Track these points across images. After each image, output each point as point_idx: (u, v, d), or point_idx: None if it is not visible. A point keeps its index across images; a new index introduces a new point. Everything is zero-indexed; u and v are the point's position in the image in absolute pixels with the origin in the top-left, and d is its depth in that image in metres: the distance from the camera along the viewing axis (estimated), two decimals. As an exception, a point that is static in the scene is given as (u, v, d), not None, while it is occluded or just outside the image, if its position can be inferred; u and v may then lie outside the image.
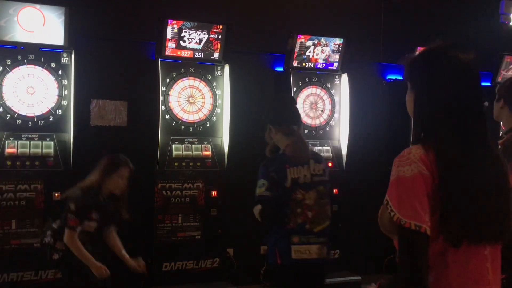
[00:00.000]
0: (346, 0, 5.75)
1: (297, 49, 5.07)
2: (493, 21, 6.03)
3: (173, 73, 4.69)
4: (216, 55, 4.79)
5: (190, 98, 4.74)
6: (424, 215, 1.50)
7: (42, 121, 4.28)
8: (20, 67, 4.22)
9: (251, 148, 4.54)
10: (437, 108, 1.61)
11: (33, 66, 4.26)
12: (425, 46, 1.75)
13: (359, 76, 5.40)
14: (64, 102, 4.34)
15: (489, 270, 1.59)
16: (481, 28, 6.01)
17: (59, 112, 4.33)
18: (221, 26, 4.71)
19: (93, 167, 4.43)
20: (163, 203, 4.55)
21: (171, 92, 4.68)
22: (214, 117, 4.80)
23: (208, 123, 4.79)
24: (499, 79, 5.74)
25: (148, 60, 4.75)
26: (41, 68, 4.28)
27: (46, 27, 4.25)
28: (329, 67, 5.25)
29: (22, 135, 4.22)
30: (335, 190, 5.12)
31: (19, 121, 4.22)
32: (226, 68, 4.78)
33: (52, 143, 4.26)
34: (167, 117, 4.66)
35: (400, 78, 5.73)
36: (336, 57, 5.22)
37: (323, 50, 5.16)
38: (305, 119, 5.16)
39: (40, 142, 4.23)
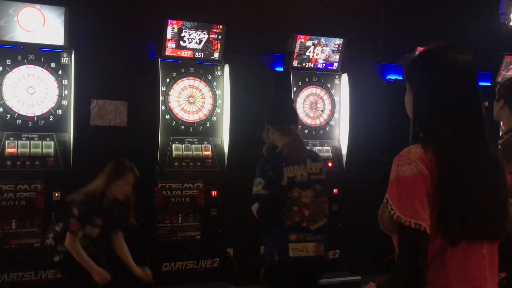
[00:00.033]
0: (346, 0, 5.75)
1: (297, 49, 5.07)
2: (493, 21, 6.03)
3: (173, 73, 4.69)
4: (216, 55, 4.79)
5: (190, 98, 4.74)
6: (424, 214, 1.52)
7: (42, 121, 4.28)
8: (20, 67, 4.22)
9: (251, 148, 4.53)
10: (436, 108, 1.64)
11: (33, 66, 4.26)
12: (425, 46, 1.77)
13: (359, 76, 5.40)
14: (64, 102, 4.34)
15: (486, 268, 1.62)
16: (481, 28, 6.01)
17: (59, 112, 4.33)
18: (221, 26, 4.71)
19: (94, 168, 4.44)
20: (163, 203, 4.55)
21: (171, 92, 4.68)
22: (214, 117, 4.80)
23: (208, 123, 4.79)
24: (499, 79, 5.74)
25: (148, 60, 4.75)
26: (41, 68, 4.28)
27: (46, 27, 4.25)
28: (329, 67, 5.25)
29: (22, 135, 4.22)
30: (335, 190, 5.14)
31: (19, 121, 4.22)
32: (226, 68, 4.78)
33: (52, 143, 4.26)
34: (167, 117, 4.66)
35: (400, 78, 5.73)
36: (336, 57, 5.22)
37: (323, 50, 5.16)
38: (305, 119, 5.16)
39: (40, 142, 4.23)
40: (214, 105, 4.81)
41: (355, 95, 5.22)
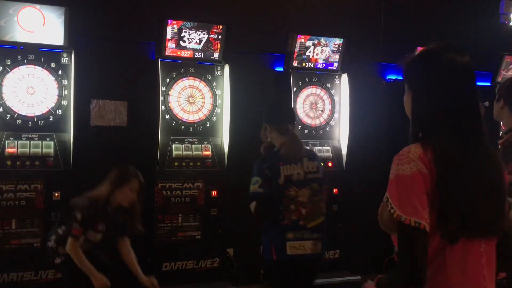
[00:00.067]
0: (346, 0, 5.75)
1: (297, 49, 5.07)
2: (493, 21, 6.03)
3: (173, 73, 4.69)
4: (216, 55, 4.79)
5: (190, 98, 4.74)
6: (423, 212, 1.54)
7: (42, 121, 4.28)
8: (20, 67, 4.22)
9: (251, 148, 4.53)
10: (435, 108, 1.66)
11: (33, 66, 4.26)
12: (425, 46, 1.78)
13: (359, 76, 5.40)
14: (64, 102, 4.34)
15: (484, 266, 1.64)
16: (481, 28, 6.01)
17: (59, 112, 4.33)
18: (221, 26, 4.71)
19: (94, 168, 4.44)
20: (163, 203, 4.55)
21: (171, 92, 4.68)
22: (214, 117, 4.80)
23: (208, 123, 4.79)
24: (499, 79, 5.74)
25: (148, 60, 4.75)
26: (41, 68, 4.28)
27: (46, 27, 4.25)
28: (329, 67, 5.25)
29: (22, 135, 4.22)
30: (335, 190, 5.14)
31: (19, 121, 4.22)
32: (226, 68, 4.78)
33: (52, 143, 4.26)
34: (167, 117, 4.66)
35: (400, 78, 5.73)
36: (336, 57, 5.22)
37: (323, 50, 5.16)
38: (305, 119, 5.16)
39: (40, 142, 4.23)
40: (214, 105, 4.81)
41: (355, 95, 5.21)
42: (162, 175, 4.57)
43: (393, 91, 5.67)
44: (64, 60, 4.34)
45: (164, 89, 4.64)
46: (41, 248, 4.14)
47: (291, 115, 3.64)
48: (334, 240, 5.19)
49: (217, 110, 4.81)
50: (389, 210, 1.58)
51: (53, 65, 4.31)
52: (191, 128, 4.73)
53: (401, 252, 1.56)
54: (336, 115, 5.27)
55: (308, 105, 5.19)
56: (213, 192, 4.69)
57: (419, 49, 1.81)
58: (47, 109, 4.30)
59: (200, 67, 4.77)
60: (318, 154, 5.04)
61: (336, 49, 5.20)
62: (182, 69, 4.71)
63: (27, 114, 4.25)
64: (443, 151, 1.60)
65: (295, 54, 5.08)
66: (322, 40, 5.12)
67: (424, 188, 1.56)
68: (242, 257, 4.98)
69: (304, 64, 5.15)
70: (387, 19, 5.86)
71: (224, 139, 4.77)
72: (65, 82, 4.33)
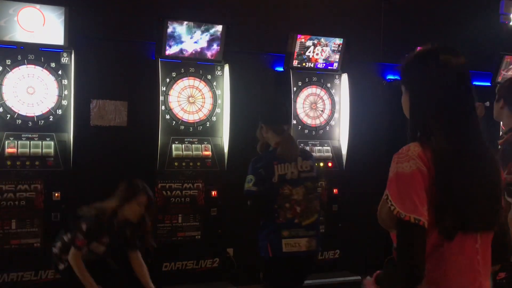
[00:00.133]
0: (346, 0, 5.75)
1: (297, 49, 5.07)
2: (493, 21, 6.02)
3: (173, 73, 4.69)
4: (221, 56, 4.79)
5: (190, 98, 4.74)
6: (422, 209, 1.59)
7: (42, 121, 4.28)
8: (20, 67, 4.22)
9: (251, 148, 4.53)
10: (432, 108, 1.70)
11: (33, 66, 4.26)
12: (424, 47, 1.82)
13: (359, 76, 5.40)
14: (64, 102, 4.34)
15: (479, 262, 1.69)
16: (481, 28, 6.01)
17: (59, 112, 4.33)
18: (221, 26, 4.71)
19: (94, 168, 4.44)
20: (163, 203, 4.55)
21: (171, 92, 4.68)
22: (214, 117, 4.80)
23: (208, 123, 4.79)
24: (499, 79, 5.74)
25: (148, 60, 4.75)
26: (41, 68, 4.28)
27: (46, 27, 4.25)
28: (329, 67, 5.25)
29: (22, 135, 4.22)
30: (335, 190, 5.14)
31: (19, 121, 4.22)
32: (226, 68, 4.78)
33: (52, 143, 4.26)
34: (167, 117, 4.66)
35: (400, 78, 5.73)
36: (336, 57, 5.22)
37: (323, 50, 5.16)
38: (305, 119, 5.16)
39: (40, 142, 4.23)
40: (214, 105, 4.81)
41: (355, 95, 5.21)
42: (162, 175, 4.57)
43: (393, 91, 5.67)
44: (64, 60, 4.34)
45: (164, 89, 4.64)
46: (41, 248, 4.15)
47: (287, 115, 3.77)
48: (334, 240, 5.20)
49: (217, 110, 4.81)
50: (388, 207, 1.62)
51: (53, 65, 4.31)
52: (191, 128, 4.73)
53: (400, 248, 1.60)
54: (336, 115, 5.27)
55: (308, 105, 5.19)
56: (213, 192, 4.69)
57: (419, 49, 1.83)
58: (47, 109, 4.30)
59: (200, 67, 4.77)
60: (318, 154, 5.09)
61: (336, 49, 5.20)
62: (182, 69, 4.71)
63: (27, 114, 4.24)
64: (441, 150, 1.64)
65: (295, 54, 5.08)
66: (322, 40, 5.12)
67: (423, 185, 1.61)
68: (242, 257, 4.98)
69: (304, 64, 5.15)
70: (387, 19, 5.86)
71: (224, 139, 4.77)
72: (65, 82, 4.33)
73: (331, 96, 5.25)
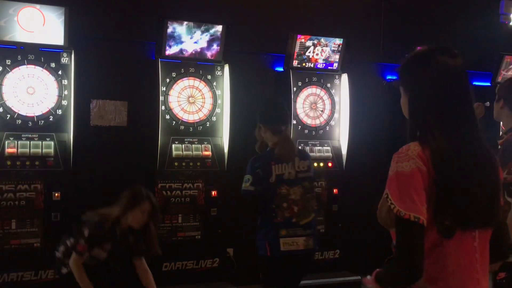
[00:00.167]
0: (346, 0, 5.75)
1: (297, 49, 5.07)
2: (493, 21, 6.02)
3: (173, 73, 4.69)
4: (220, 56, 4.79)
5: (190, 98, 4.74)
6: (422, 208, 1.62)
7: (42, 121, 4.28)
8: (20, 67, 4.22)
9: (251, 148, 4.53)
10: (431, 109, 1.73)
11: (33, 66, 4.26)
12: (430, 45, 1.84)
13: (359, 76, 5.39)
14: (64, 102, 4.34)
15: (477, 260, 1.72)
16: (481, 28, 6.01)
17: (59, 112, 4.33)
18: (221, 26, 4.72)
19: (94, 168, 4.44)
20: (163, 203, 4.55)
21: (171, 92, 4.68)
22: (214, 117, 4.81)
23: (208, 123, 4.79)
24: (499, 79, 5.74)
25: (148, 60, 4.75)
26: (41, 68, 4.28)
27: (46, 27, 4.25)
28: (329, 67, 5.25)
29: (22, 135, 4.22)
30: (335, 190, 5.14)
31: (19, 121, 4.22)
32: (226, 68, 4.78)
33: (52, 143, 4.26)
34: (167, 117, 4.66)
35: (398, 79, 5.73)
36: (336, 57, 5.22)
37: (323, 50, 5.16)
38: (305, 119, 5.17)
39: (40, 142, 4.23)
40: (214, 105, 4.81)
41: (355, 95, 5.21)
42: (162, 175, 4.57)
43: (393, 91, 5.60)
44: (64, 60, 4.34)
45: (164, 89, 4.64)
46: (41, 248, 4.15)
47: (285, 116, 3.76)
48: (334, 240, 5.20)
49: (217, 110, 4.81)
50: (388, 205, 1.64)
51: (53, 65, 4.31)
52: (191, 128, 4.73)
53: (400, 246, 1.63)
54: (336, 115, 5.27)
55: (308, 105, 5.19)
56: (213, 192, 4.70)
57: (419, 49, 1.85)
58: (47, 109, 4.30)
59: (200, 67, 4.77)
60: (318, 154, 5.09)
61: (336, 49, 5.20)
62: (182, 69, 4.71)
63: (27, 114, 4.24)
64: (441, 149, 1.67)
65: (295, 54, 5.08)
66: (322, 40, 5.12)
67: (422, 184, 1.63)
68: (242, 257, 4.98)
69: (304, 64, 5.15)
70: (387, 19, 5.86)
71: (224, 139, 4.77)
72: (65, 82, 4.33)
73: (331, 96, 5.25)
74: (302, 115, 5.15)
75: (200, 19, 4.67)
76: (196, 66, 4.75)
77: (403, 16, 5.91)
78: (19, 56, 4.21)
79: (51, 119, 4.31)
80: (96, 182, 4.63)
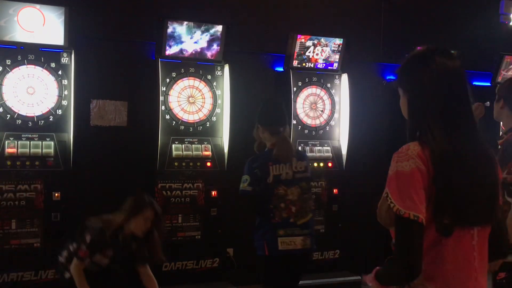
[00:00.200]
0: (346, 0, 5.75)
1: (297, 49, 5.07)
2: (493, 21, 6.02)
3: (173, 73, 4.69)
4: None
5: (190, 98, 4.74)
6: (421, 207, 1.64)
7: (42, 121, 4.28)
8: (20, 67, 4.22)
9: (251, 148, 4.53)
10: (431, 109, 1.75)
11: (33, 66, 4.26)
12: (427, 45, 1.86)
13: (359, 76, 5.39)
14: (64, 102, 4.34)
15: (475, 258, 1.74)
16: (481, 28, 6.01)
17: (59, 112, 4.33)
18: (221, 26, 4.71)
19: (94, 168, 4.44)
20: (163, 203, 4.54)
21: (171, 92, 4.68)
22: (214, 117, 4.81)
23: (208, 123, 4.79)
24: (499, 79, 5.74)
25: (148, 60, 4.75)
26: (41, 68, 4.28)
27: (46, 27, 4.25)
28: (329, 67, 5.25)
29: (22, 135, 4.22)
30: (335, 190, 5.14)
31: (19, 121, 4.22)
32: (226, 68, 4.78)
33: (52, 143, 4.26)
34: (167, 117, 4.66)
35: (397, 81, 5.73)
36: (336, 57, 5.22)
37: (323, 50, 5.16)
38: (305, 119, 5.17)
39: (40, 142, 4.23)
40: (214, 105, 4.81)
41: (355, 95, 5.21)
42: (162, 175, 4.57)
43: (393, 91, 5.62)
44: (64, 60, 4.34)
45: (164, 89, 4.64)
46: (41, 248, 4.15)
47: (283, 117, 3.78)
48: (334, 240, 5.20)
49: (217, 110, 4.81)
50: (388, 204, 1.67)
51: (53, 65, 4.31)
52: (191, 128, 4.73)
53: (399, 244, 1.66)
54: (336, 115, 5.27)
55: (308, 105, 5.19)
56: (213, 192, 4.70)
57: (419, 49, 1.85)
58: (47, 109, 4.30)
59: (200, 67, 4.77)
60: (318, 154, 5.10)
61: (336, 49, 5.20)
62: (182, 69, 4.71)
63: (27, 114, 4.24)
64: (440, 150, 1.69)
65: (295, 54, 5.08)
66: (322, 40, 5.12)
67: (422, 183, 1.66)
68: (242, 257, 4.98)
69: (304, 64, 5.15)
70: (387, 19, 5.86)
71: (224, 139, 4.77)
72: (65, 82, 4.33)
73: (331, 96, 5.25)
74: (302, 115, 5.15)
75: (200, 19, 4.67)
76: (196, 66, 4.75)
77: (403, 16, 5.91)
78: (19, 56, 4.21)
79: (51, 119, 4.31)
80: (96, 182, 4.64)
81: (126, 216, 3.56)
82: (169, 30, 4.57)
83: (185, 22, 4.60)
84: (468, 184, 1.69)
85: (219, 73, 4.82)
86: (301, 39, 5.05)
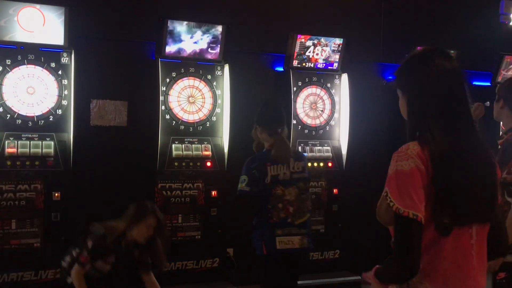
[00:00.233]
0: (346, 0, 5.75)
1: (297, 49, 5.07)
2: (493, 21, 6.03)
3: (173, 73, 4.69)
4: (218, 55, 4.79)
5: (190, 98, 4.74)
6: (420, 206, 1.65)
7: (42, 121, 4.28)
8: (20, 67, 4.22)
9: (251, 148, 4.54)
10: (430, 110, 1.76)
11: (33, 66, 4.26)
12: (424, 47, 1.88)
13: (359, 76, 5.40)
14: (64, 102, 4.34)
15: (474, 257, 1.76)
16: (481, 28, 6.01)
17: (59, 112, 4.33)
18: (221, 26, 4.71)
19: (94, 168, 4.43)
20: (163, 203, 4.55)
21: (171, 92, 4.68)
22: (214, 117, 4.81)
23: (208, 123, 4.79)
24: (499, 79, 5.74)
25: (148, 60, 4.75)
26: (41, 68, 4.28)
27: (46, 27, 4.25)
28: (329, 67, 5.25)
29: (22, 135, 4.22)
30: (335, 190, 5.14)
31: (19, 121, 4.22)
32: (226, 68, 4.78)
33: (52, 143, 4.26)
34: (167, 117, 4.66)
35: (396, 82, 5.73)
36: (336, 57, 5.22)
37: (323, 50, 5.16)
38: (305, 119, 5.17)
39: (40, 142, 4.23)
40: (214, 105, 4.81)
41: (355, 95, 5.22)
42: (162, 175, 4.57)
43: (393, 91, 5.62)
44: (64, 60, 4.34)
45: (164, 89, 4.64)
46: (41, 248, 4.15)
47: (281, 119, 3.81)
48: (334, 240, 5.20)
49: (217, 110, 4.81)
50: (388, 203, 1.68)
51: (53, 65, 4.31)
52: (191, 128, 4.73)
53: (398, 242, 1.67)
54: (336, 115, 5.27)
55: (308, 105, 5.19)
56: (213, 192, 4.70)
57: (419, 49, 1.86)
58: (47, 109, 4.30)
59: (200, 67, 4.77)
60: (318, 154, 5.10)
61: (336, 49, 5.20)
62: (182, 69, 4.71)
63: (27, 114, 4.24)
64: (440, 149, 1.70)
65: (295, 54, 5.08)
66: (322, 40, 5.12)
67: (421, 183, 1.67)
68: (242, 257, 4.98)
69: (304, 64, 5.15)
70: (387, 19, 5.86)
71: (224, 139, 4.77)
72: (65, 82, 4.33)
73: (331, 96, 5.25)
74: (302, 115, 5.15)
75: (200, 19, 4.67)
76: (196, 66, 4.75)
77: (403, 16, 5.91)
78: (19, 56, 4.21)
79: (51, 119, 4.31)
80: (96, 182, 4.64)
81: (128, 223, 3.56)
82: (169, 29, 4.56)
83: (185, 22, 4.60)
84: (467, 184, 1.71)
85: (219, 73, 4.82)
86: (301, 39, 5.05)
